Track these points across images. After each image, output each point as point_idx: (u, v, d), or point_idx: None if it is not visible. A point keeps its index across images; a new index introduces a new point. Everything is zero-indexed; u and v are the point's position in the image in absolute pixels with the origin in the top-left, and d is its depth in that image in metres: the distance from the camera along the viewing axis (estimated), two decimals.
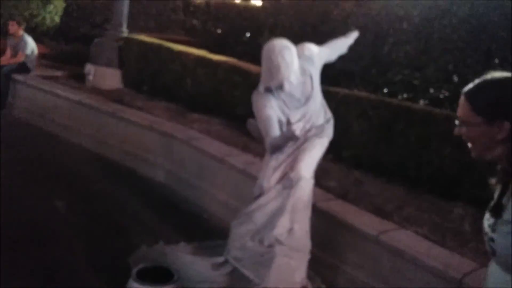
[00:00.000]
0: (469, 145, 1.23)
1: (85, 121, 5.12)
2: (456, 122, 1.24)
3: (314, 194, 3.30)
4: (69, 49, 7.88)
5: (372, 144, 3.66)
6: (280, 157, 2.77)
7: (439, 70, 3.46)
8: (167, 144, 4.36)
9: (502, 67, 3.27)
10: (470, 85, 1.22)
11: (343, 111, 3.79)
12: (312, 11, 4.09)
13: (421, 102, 3.66)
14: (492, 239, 1.19)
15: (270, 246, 2.76)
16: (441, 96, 3.49)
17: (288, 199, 2.73)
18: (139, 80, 5.85)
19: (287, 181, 2.74)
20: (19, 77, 5.91)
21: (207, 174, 3.97)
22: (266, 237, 2.77)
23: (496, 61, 3.29)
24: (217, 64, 4.78)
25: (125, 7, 6.11)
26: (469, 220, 3.15)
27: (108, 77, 6.06)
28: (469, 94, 1.21)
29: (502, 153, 1.16)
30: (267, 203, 2.82)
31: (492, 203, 1.22)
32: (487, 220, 1.22)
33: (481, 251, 2.61)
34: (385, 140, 3.55)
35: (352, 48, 4.00)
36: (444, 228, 3.05)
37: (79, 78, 6.26)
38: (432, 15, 3.41)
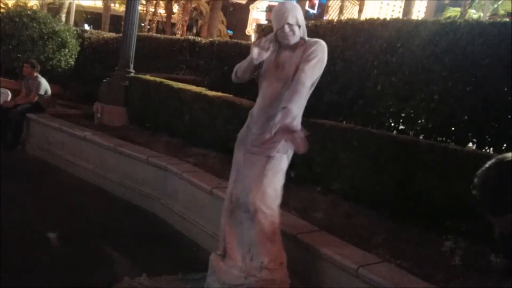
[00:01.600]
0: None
1: (89, 156, 5.28)
2: None
3: (297, 226, 3.30)
4: (84, 89, 8.26)
5: (360, 175, 3.63)
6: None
7: (424, 100, 3.45)
8: (162, 177, 4.44)
9: (487, 95, 3.24)
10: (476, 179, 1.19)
11: (330, 143, 3.80)
12: None
13: (410, 133, 3.63)
14: None
15: (245, 276, 2.73)
16: (429, 126, 3.46)
17: (254, 232, 2.70)
18: (143, 117, 6.04)
19: (247, 213, 2.71)
20: (32, 115, 6.18)
21: (197, 207, 3.99)
22: (241, 269, 2.74)
23: (483, 89, 3.26)
24: (212, 99, 4.90)
25: (131, 49, 6.40)
26: (460, 254, 3.04)
27: (115, 114, 6.28)
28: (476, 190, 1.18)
29: None
30: (234, 233, 2.81)
31: None
32: None
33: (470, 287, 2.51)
34: (372, 171, 3.52)
35: (339, 81, 4.07)
36: (432, 261, 2.95)
37: (90, 116, 6.52)
38: (413, 46, 3.43)
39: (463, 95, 3.28)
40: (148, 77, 6.00)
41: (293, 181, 4.32)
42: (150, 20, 27.65)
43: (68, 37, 7.64)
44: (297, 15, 2.56)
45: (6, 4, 25.32)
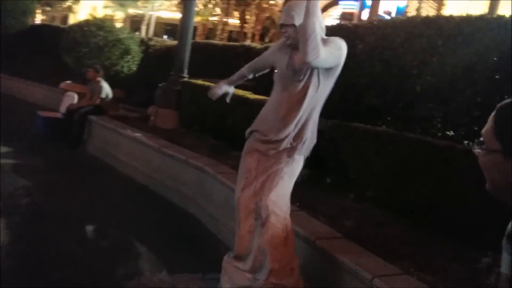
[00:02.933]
0: (484, 172, 1.01)
1: (138, 156, 5.53)
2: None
3: (318, 232, 3.18)
4: (147, 94, 8.69)
5: (393, 183, 3.41)
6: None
7: (466, 103, 3.17)
8: (199, 178, 4.51)
9: None
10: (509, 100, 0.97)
11: (364, 148, 3.62)
12: None
13: (451, 138, 3.36)
14: None
15: (254, 280, 2.68)
16: (472, 131, 3.17)
17: (264, 237, 2.64)
18: (192, 120, 6.21)
19: (259, 219, 2.66)
20: (93, 117, 6.63)
21: (228, 208, 3.99)
22: (250, 271, 2.70)
23: None
24: (253, 102, 4.90)
25: (186, 55, 6.63)
26: (497, 272, 2.73)
27: (167, 117, 6.52)
28: (499, 109, 0.97)
29: None
30: (246, 237, 2.76)
31: None
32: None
33: None
34: (405, 178, 3.29)
35: (378, 83, 3.88)
36: (462, 278, 2.70)
37: (147, 119, 6.85)
38: (455, 44, 3.17)
39: (509, 97, 2.97)
40: (197, 81, 6.17)
41: (327, 187, 4.20)
42: (222, 29, 28.53)
43: (132, 44, 8.12)
44: (293, 14, 2.46)
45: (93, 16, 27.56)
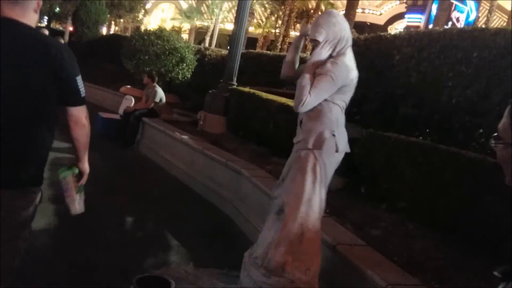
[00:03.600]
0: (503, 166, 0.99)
1: (183, 157, 5.81)
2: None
3: (342, 238, 3.20)
4: (201, 100, 9.07)
5: (424, 194, 3.36)
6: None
7: (501, 115, 3.07)
8: (236, 180, 4.67)
9: None
10: None
11: (396, 158, 3.59)
12: (377, 57, 4.07)
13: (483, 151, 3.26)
14: None
15: (270, 275, 2.76)
16: None
17: (279, 230, 2.72)
18: (237, 125, 6.42)
19: (282, 214, 2.75)
20: (147, 119, 7.05)
21: (260, 211, 4.11)
22: (266, 267, 2.79)
23: None
24: (292, 110, 4.99)
25: (235, 64, 6.88)
26: None
27: (215, 122, 6.78)
28: None
29: None
30: (266, 234, 2.86)
31: None
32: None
33: None
34: (436, 190, 3.23)
35: (414, 94, 3.84)
36: None
37: (196, 123, 7.16)
38: (491, 56, 3.09)
39: None
40: (243, 88, 6.38)
41: (361, 196, 4.18)
42: (282, 41, 28.90)
43: (187, 53, 8.53)
44: (321, 30, 2.57)
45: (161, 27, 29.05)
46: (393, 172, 3.63)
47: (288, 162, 2.94)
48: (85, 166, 2.07)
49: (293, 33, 29.69)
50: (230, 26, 33.14)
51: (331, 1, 27.81)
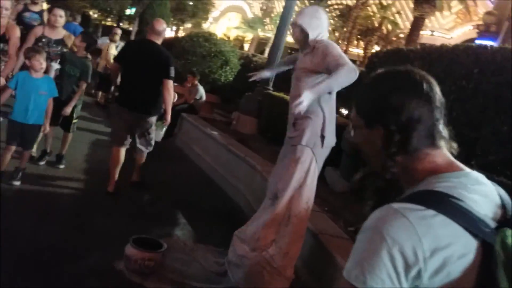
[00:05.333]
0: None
1: (211, 151, 6.22)
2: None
3: (327, 230, 3.41)
4: (237, 100, 9.51)
5: None
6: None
7: (495, 131, 3.18)
8: (251, 174, 4.99)
9: None
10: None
11: None
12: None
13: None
14: None
15: (252, 251, 3.03)
16: (493, 158, 3.17)
17: (270, 213, 3.00)
18: (267, 127, 6.74)
19: (275, 199, 3.03)
20: (185, 115, 7.55)
21: None
22: (250, 244, 3.07)
23: None
24: None
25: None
26: None
27: (247, 123, 7.16)
28: (356, 93, 1.10)
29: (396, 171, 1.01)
30: (258, 215, 3.14)
31: None
32: None
33: None
34: None
35: None
36: None
37: (231, 123, 7.58)
38: (489, 72, 3.21)
39: None
40: (274, 93, 6.70)
41: (363, 200, 4.34)
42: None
43: (231, 57, 9.00)
44: (304, 19, 2.88)
45: (226, 35, 30.19)
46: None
47: (282, 153, 3.23)
48: (168, 117, 4.56)
49: (353, 50, 29.62)
50: (290, 39, 33.63)
51: (395, 21, 27.51)
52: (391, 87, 1.03)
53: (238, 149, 5.58)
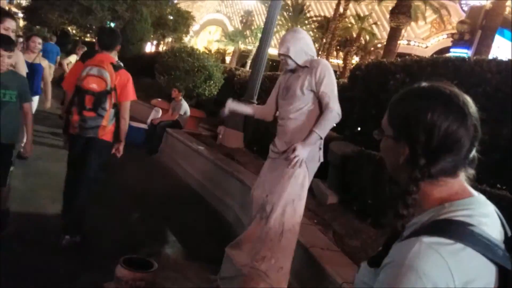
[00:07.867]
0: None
1: (197, 166, 6.22)
2: None
3: (317, 243, 3.45)
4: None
5: None
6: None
7: (480, 142, 3.28)
8: (240, 190, 5.01)
9: None
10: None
11: (380, 174, 3.82)
12: (373, 82, 4.36)
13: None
14: None
15: (246, 267, 3.04)
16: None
17: (262, 228, 3.02)
18: (253, 141, 6.78)
19: (263, 212, 3.05)
20: (170, 130, 7.55)
21: None
22: (245, 260, 3.08)
23: None
24: None
25: (256, 84, 7.28)
26: None
27: (233, 137, 7.18)
28: (393, 99, 1.06)
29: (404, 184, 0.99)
30: (253, 229, 3.16)
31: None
32: (363, 276, 1.07)
33: None
34: None
35: None
36: None
37: (216, 137, 7.59)
38: (468, 84, 3.32)
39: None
40: (258, 105, 6.74)
41: (352, 211, 4.40)
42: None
43: (215, 71, 9.06)
44: (288, 46, 2.93)
45: (207, 48, 30.21)
46: (377, 188, 3.86)
47: (267, 166, 3.25)
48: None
49: (333, 61, 30.10)
50: (272, 51, 34.01)
51: (372, 31, 28.14)
52: (429, 106, 0.96)
53: (225, 164, 5.61)
